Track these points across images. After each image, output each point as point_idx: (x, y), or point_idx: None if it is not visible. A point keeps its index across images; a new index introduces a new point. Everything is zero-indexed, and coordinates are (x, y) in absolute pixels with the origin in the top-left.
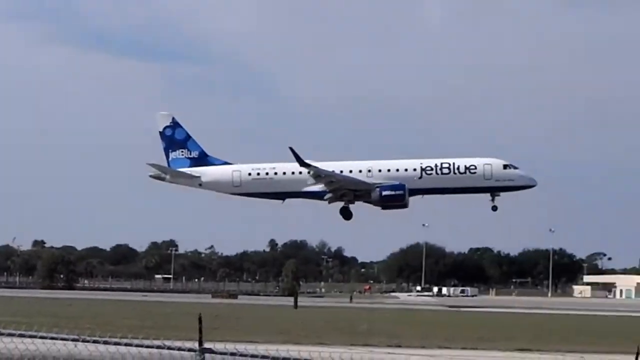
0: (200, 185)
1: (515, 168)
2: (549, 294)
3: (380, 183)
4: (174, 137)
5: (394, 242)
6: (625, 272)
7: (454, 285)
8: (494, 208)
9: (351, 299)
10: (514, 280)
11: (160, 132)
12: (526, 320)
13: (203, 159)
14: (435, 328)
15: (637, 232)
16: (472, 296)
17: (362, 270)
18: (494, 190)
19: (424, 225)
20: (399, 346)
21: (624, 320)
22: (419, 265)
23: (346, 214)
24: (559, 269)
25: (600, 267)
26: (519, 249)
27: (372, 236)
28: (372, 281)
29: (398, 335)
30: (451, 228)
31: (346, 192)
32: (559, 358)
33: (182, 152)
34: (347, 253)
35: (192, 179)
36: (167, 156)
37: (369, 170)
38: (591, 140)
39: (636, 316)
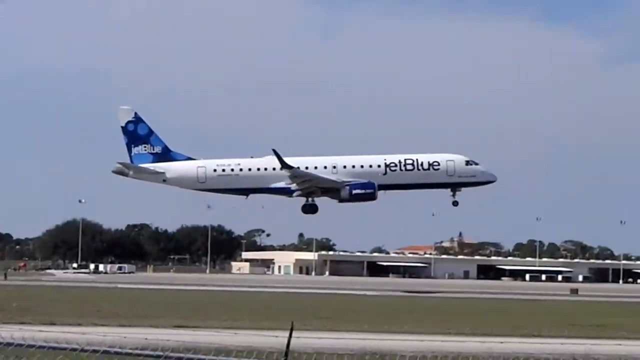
0: (164, 181)
1: (477, 164)
2: (207, 271)
3: (349, 181)
4: (137, 132)
5: (50, 219)
6: (283, 248)
7: (112, 262)
8: (455, 203)
9: (5, 276)
10: (172, 256)
11: (122, 127)
12: (183, 296)
13: (166, 154)
14: (90, 305)
15: (294, 209)
16: (130, 273)
17: (17, 247)
18: (456, 186)
19: (80, 201)
20: (53, 324)
21: (281, 296)
22: (75, 242)
23: (312, 210)
24: (218, 246)
25: (259, 243)
26: (177, 225)
27: (27, 211)
28: (27, 258)
29: (52, 313)
30: (108, 204)
31: (315, 190)
32: (214, 334)
33: (145, 147)
34: (1, 229)
35: (156, 175)
36: (130, 151)
37: (334, 167)
38: None
39: (293, 292)
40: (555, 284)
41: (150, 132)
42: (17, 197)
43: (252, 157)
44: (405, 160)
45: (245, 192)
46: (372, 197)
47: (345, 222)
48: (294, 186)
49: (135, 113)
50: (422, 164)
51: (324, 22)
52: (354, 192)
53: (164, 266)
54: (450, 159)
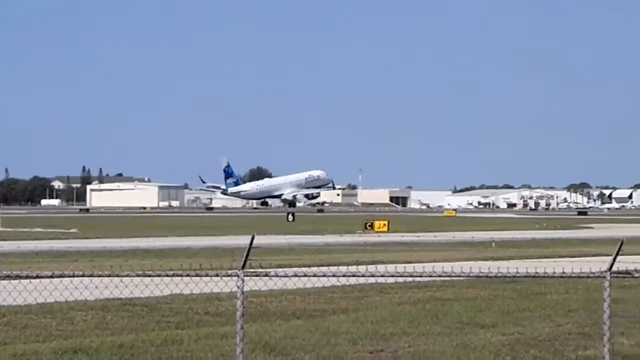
0: (241, 195)
1: None
2: None
3: None
4: (228, 172)
5: None
6: None
7: None
8: None
9: None
10: None
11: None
12: None
13: (237, 182)
14: None
15: None
16: None
17: None
18: None
19: None
20: None
21: None
22: None
23: None
24: None
25: None
26: None
27: None
28: None
29: None
30: None
31: None
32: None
33: (230, 179)
34: None
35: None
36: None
37: None
38: None
39: None
40: None
41: (232, 172)
42: None
43: None
44: None
45: None
46: None
47: None
48: None
49: (228, 163)
50: None
51: None
52: None
53: None
54: None
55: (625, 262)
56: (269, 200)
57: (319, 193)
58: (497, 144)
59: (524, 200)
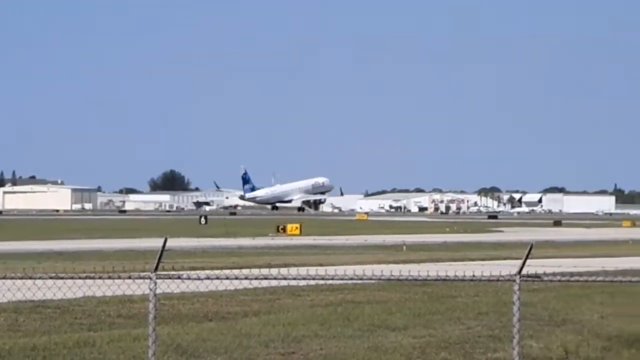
0: (256, 200)
1: None
2: None
3: None
4: (245, 178)
5: None
6: None
7: None
8: None
9: None
10: None
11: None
12: None
13: (254, 188)
14: None
15: None
16: None
17: None
18: None
19: None
20: None
21: None
22: None
23: None
24: None
25: None
26: None
27: None
28: None
29: None
30: None
31: None
32: None
33: (247, 185)
34: None
35: (252, 198)
36: (243, 186)
37: None
38: None
39: None
40: None
41: (248, 179)
42: None
43: None
44: None
45: None
46: None
47: None
48: None
49: (245, 170)
50: None
51: None
52: None
53: None
54: None
55: (534, 266)
56: (279, 205)
57: (325, 199)
58: (408, 148)
59: (435, 204)
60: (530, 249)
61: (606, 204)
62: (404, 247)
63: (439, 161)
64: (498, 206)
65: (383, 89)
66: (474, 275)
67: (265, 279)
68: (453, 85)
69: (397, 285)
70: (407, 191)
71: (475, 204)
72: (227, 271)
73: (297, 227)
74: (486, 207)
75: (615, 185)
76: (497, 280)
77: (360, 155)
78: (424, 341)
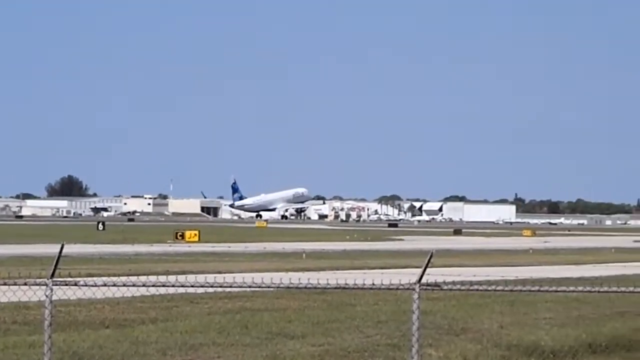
0: (244, 208)
1: None
2: None
3: None
4: (235, 188)
5: None
6: None
7: None
8: None
9: None
10: None
11: (231, 185)
12: None
13: (242, 197)
14: None
15: None
16: None
17: None
18: None
19: None
20: None
21: None
22: None
23: None
24: None
25: None
26: None
27: None
28: None
29: None
30: None
31: None
32: None
33: (236, 194)
34: None
35: (242, 206)
36: (233, 194)
37: None
38: None
39: None
40: None
41: (237, 188)
42: None
43: None
44: None
45: None
46: None
47: None
48: None
49: (235, 180)
50: None
51: None
52: None
53: None
54: None
55: (434, 275)
56: (263, 213)
57: (307, 207)
58: (306, 155)
59: (335, 212)
60: (431, 257)
61: (507, 213)
62: (304, 255)
63: (339, 169)
64: (399, 214)
65: (281, 94)
66: (373, 284)
67: (163, 286)
68: (354, 92)
69: (296, 293)
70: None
71: (376, 212)
72: (124, 278)
73: (195, 234)
74: (387, 215)
75: (516, 194)
76: (397, 288)
77: (259, 162)
78: (323, 349)
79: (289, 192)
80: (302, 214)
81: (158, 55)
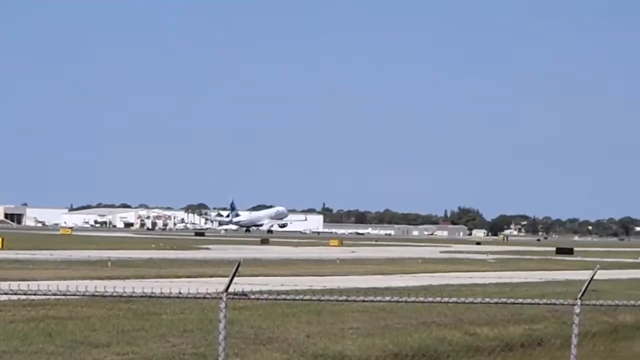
0: (239, 225)
1: None
2: None
3: None
4: (232, 206)
5: None
6: None
7: None
8: None
9: None
10: None
11: (229, 204)
12: None
13: (237, 214)
14: None
15: None
16: None
17: None
18: None
19: None
20: None
21: None
22: None
23: None
24: None
25: None
26: None
27: None
28: None
29: None
30: None
31: None
32: None
33: (233, 211)
34: None
35: (238, 222)
36: (231, 211)
37: None
38: None
39: None
40: None
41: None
42: None
43: None
44: None
45: None
46: None
47: None
48: None
49: (232, 200)
50: None
51: None
52: None
53: None
54: None
55: (242, 284)
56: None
57: (288, 223)
58: (117, 162)
59: (141, 220)
60: (238, 266)
61: (314, 222)
62: (109, 263)
63: (145, 177)
64: (205, 223)
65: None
66: (180, 292)
67: None
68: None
69: (101, 302)
70: (112, 206)
71: (182, 220)
72: None
73: None
74: (193, 224)
75: (324, 204)
76: (204, 297)
77: (63, 169)
78: (127, 358)
79: (272, 210)
80: (284, 227)
81: None
